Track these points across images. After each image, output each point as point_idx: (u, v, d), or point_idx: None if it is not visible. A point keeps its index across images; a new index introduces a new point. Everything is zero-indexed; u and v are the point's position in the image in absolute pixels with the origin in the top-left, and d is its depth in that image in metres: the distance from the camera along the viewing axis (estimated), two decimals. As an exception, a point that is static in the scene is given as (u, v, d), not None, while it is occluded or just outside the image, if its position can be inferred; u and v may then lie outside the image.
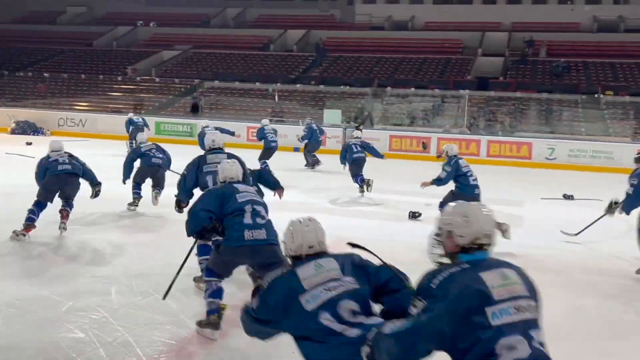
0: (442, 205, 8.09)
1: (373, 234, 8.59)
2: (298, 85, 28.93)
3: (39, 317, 4.98)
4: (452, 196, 8.15)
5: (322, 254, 3.29)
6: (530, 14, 33.26)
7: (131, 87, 30.66)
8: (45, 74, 31.79)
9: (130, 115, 18.55)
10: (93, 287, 5.72)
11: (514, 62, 30.03)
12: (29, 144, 18.79)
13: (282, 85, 28.98)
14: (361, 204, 11.36)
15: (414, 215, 10.06)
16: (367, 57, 32.13)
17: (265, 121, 16.77)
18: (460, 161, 8.57)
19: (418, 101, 25.61)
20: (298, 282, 3.06)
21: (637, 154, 8.10)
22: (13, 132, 23.04)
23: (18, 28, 39.38)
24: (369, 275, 3.17)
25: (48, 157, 7.71)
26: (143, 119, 18.04)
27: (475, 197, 8.04)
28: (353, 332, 2.86)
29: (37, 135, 22.41)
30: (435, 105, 25.63)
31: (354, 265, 3.21)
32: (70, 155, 7.85)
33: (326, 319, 2.92)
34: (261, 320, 3.16)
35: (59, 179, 7.56)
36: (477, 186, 8.47)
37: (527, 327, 2.46)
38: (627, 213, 7.63)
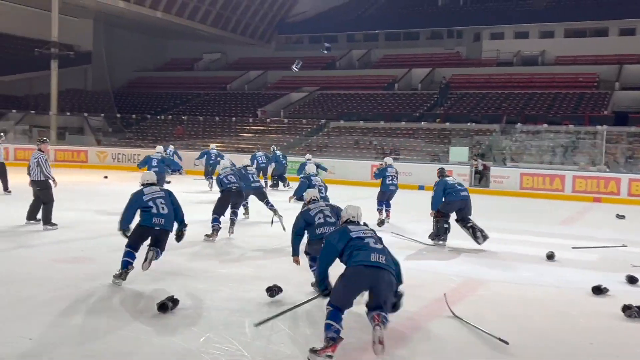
0: (379, 200, 12.84)
1: (506, 276, 8.23)
2: (423, 123, 28.76)
3: (179, 347, 5.18)
4: (380, 193, 12.92)
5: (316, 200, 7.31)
6: (673, 43, 31.17)
7: (261, 128, 31.94)
8: (183, 117, 33.94)
9: (308, 157, 19.23)
10: (229, 320, 5.88)
11: (657, 95, 28.09)
12: (167, 182, 19.96)
13: (406, 123, 28.98)
14: (489, 242, 10.90)
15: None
16: (495, 94, 31.46)
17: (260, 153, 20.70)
18: (388, 169, 12.97)
19: (550, 138, 24.54)
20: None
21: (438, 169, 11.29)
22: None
23: (160, 75, 42.57)
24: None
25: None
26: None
27: (391, 192, 12.88)
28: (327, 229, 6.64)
29: (175, 174, 23.74)
30: (569, 141, 24.43)
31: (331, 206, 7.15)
32: None
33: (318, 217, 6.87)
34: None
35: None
36: (392, 184, 12.86)
37: None
38: (433, 209, 10.48)
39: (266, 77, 40.72)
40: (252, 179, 12.07)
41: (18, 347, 5.04)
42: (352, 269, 5.10)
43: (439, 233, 10.35)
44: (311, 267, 6.93)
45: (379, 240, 5.41)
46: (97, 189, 17.93)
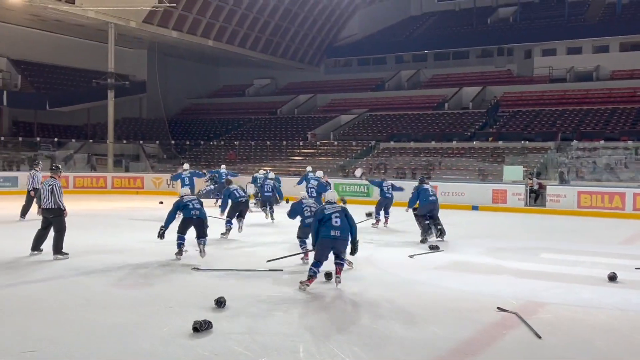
0: (377, 208, 15.58)
1: (566, 299, 7.96)
2: (475, 142, 28.39)
3: (234, 372, 5.20)
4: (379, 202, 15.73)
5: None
6: None
7: (311, 151, 32.12)
8: (235, 142, 34.45)
9: (309, 169, 19.99)
10: (283, 345, 5.87)
11: None
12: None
13: (458, 142, 28.67)
14: (547, 263, 10.60)
15: None
16: (549, 111, 30.89)
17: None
18: (384, 182, 15.76)
19: (608, 154, 23.83)
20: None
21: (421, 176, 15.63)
22: (208, 196, 24.96)
23: (212, 101, 43.45)
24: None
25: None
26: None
27: (388, 199, 15.43)
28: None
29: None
30: (628, 158, 23.66)
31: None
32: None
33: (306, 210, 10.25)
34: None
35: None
36: (389, 193, 15.43)
37: None
38: (409, 207, 13.25)
39: (315, 100, 41.04)
40: (265, 189, 16.81)
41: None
42: (321, 240, 8.24)
43: (425, 230, 12.69)
44: (300, 245, 10.24)
45: (341, 215, 8.31)
46: (153, 215, 18.28)
